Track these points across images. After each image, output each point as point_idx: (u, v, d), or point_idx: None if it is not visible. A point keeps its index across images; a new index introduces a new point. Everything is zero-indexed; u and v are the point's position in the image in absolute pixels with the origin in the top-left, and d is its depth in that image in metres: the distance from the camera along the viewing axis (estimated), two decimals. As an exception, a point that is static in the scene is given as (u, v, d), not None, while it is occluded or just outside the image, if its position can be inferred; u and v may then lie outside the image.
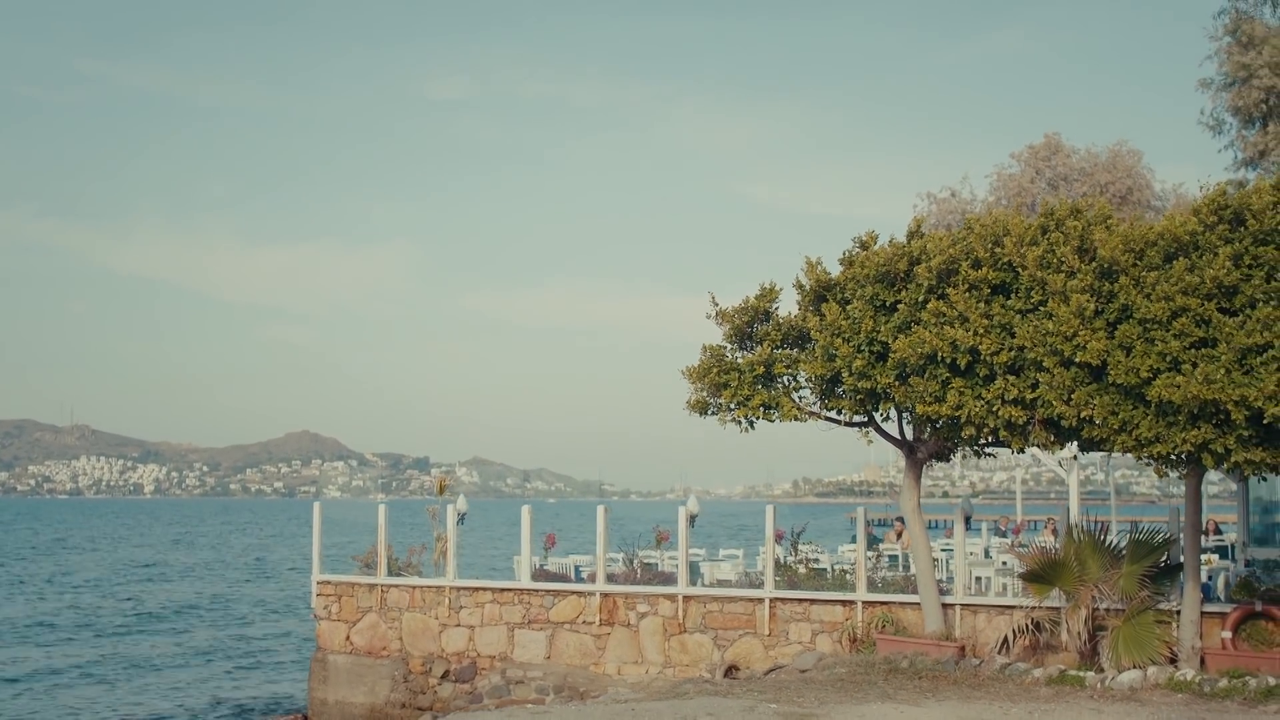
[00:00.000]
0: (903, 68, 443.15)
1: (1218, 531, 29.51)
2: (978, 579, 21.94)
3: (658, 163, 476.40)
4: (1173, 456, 15.84)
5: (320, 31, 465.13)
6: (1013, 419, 16.59)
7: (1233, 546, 26.67)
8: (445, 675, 22.32)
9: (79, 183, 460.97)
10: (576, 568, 23.90)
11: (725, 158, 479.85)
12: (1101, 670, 17.39)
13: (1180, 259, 15.66)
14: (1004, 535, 34.78)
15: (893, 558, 24.24)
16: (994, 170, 32.69)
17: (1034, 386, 16.39)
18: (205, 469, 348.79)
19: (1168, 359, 15.21)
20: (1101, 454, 19.60)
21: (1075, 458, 23.60)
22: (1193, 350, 15.17)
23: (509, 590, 22.41)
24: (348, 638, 23.17)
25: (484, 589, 22.57)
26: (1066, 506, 23.33)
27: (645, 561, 23.09)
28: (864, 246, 18.60)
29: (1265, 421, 14.70)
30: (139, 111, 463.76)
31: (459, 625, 22.51)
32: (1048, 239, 16.79)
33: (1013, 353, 16.49)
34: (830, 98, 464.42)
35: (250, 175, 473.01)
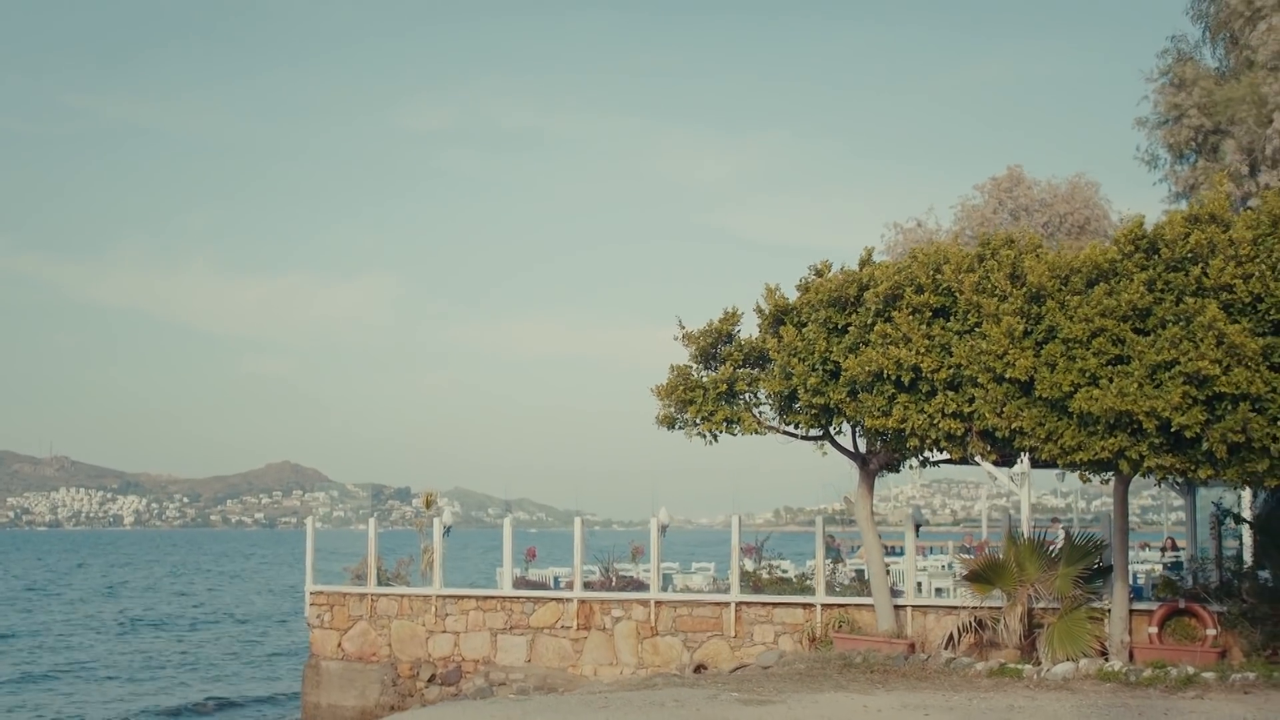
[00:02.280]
0: (874, 103, 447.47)
1: (1175, 548, 30.98)
2: (938, 590, 23.48)
3: (638, 194, 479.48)
4: (1094, 462, 17.39)
5: (301, 64, 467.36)
6: (952, 431, 18.19)
7: (1184, 561, 28.09)
8: (432, 679, 23.73)
9: (59, 215, 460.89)
10: (555, 578, 25.37)
11: (704, 189, 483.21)
12: (1039, 663, 18.89)
13: (1100, 284, 17.29)
14: (969, 552, 36.29)
15: (859, 572, 25.75)
16: (958, 202, 33.50)
17: (970, 401, 17.99)
18: (185, 500, 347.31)
19: (1087, 375, 16.82)
20: (1080, 485, 21.10)
21: (1020, 469, 25.15)
22: (1109, 366, 16.78)
23: (492, 598, 23.85)
24: (339, 644, 24.55)
25: (468, 597, 24.01)
26: (1008, 514, 24.92)
27: (622, 574, 24.55)
28: (819, 274, 20.19)
29: (1173, 430, 16.32)
30: (120, 143, 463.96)
31: (445, 631, 23.93)
32: (983, 266, 18.42)
33: (951, 370, 18.09)
34: (806, 132, 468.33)
35: (231, 207, 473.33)
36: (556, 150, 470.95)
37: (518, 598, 23.66)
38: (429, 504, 25.90)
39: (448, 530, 24.83)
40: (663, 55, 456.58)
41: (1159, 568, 26.73)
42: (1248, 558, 21.59)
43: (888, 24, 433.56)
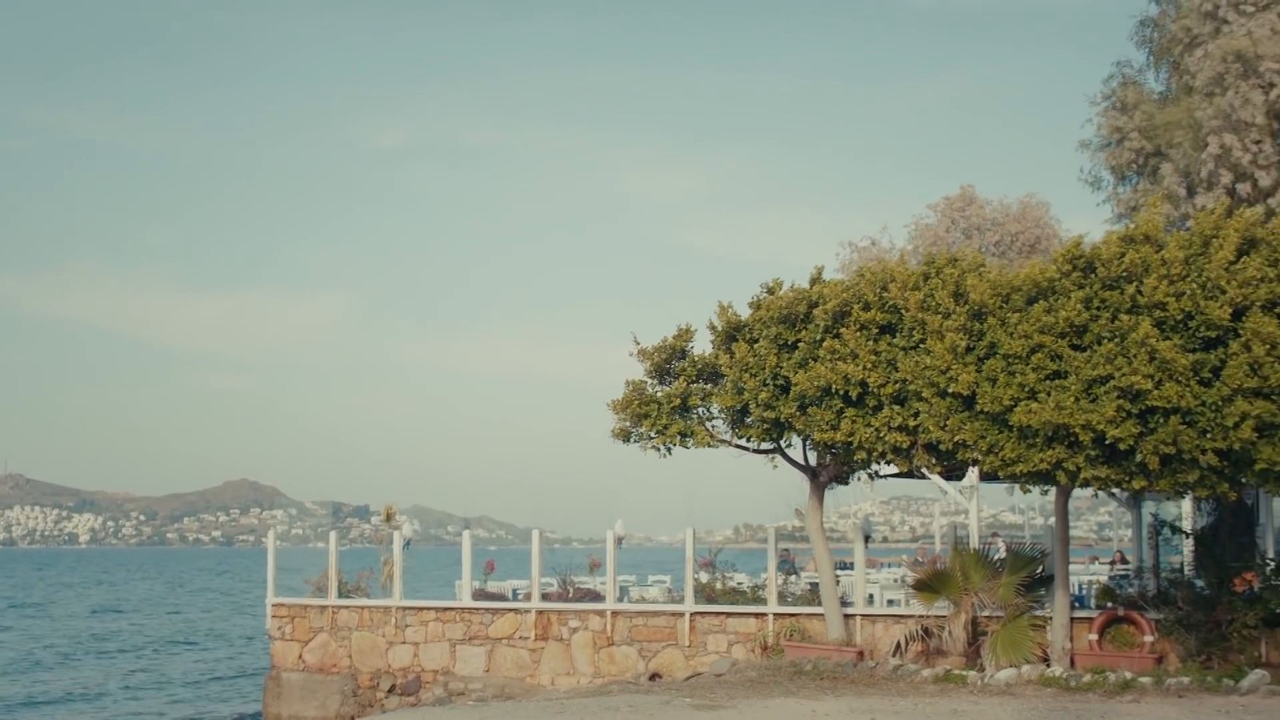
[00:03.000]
0: (833, 120, 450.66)
1: (1124, 561, 31.73)
2: (890, 601, 24.05)
3: (597, 211, 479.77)
4: (1033, 474, 18.01)
5: (259, 80, 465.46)
6: (898, 444, 18.79)
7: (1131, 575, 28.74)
8: (392, 689, 24.08)
9: (15, 230, 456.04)
10: (514, 590, 25.77)
11: (664, 206, 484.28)
12: (983, 669, 19.49)
13: (1040, 302, 17.95)
14: (922, 565, 36.93)
15: (813, 584, 26.33)
16: (912, 220, 33.85)
17: (915, 415, 18.59)
18: (142, 518, 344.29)
19: (1026, 389, 17.47)
20: (1037, 501, 21.79)
21: (969, 482, 25.81)
22: (1047, 381, 17.43)
23: (451, 609, 24.24)
24: (300, 656, 24.85)
25: (428, 608, 24.38)
26: (953, 525, 25.57)
27: (579, 586, 24.99)
28: (770, 291, 20.77)
29: (1108, 442, 16.99)
30: (77, 159, 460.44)
31: (405, 642, 24.29)
32: (928, 284, 19.06)
33: (897, 385, 18.70)
34: (766, 148, 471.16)
35: (189, 222, 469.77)
36: (515, 165, 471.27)
37: (476, 609, 24.06)
38: (389, 517, 26.26)
39: (407, 543, 25.22)
40: (623, 71, 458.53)
41: (1101, 579, 27.36)
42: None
43: (846, 44, 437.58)
